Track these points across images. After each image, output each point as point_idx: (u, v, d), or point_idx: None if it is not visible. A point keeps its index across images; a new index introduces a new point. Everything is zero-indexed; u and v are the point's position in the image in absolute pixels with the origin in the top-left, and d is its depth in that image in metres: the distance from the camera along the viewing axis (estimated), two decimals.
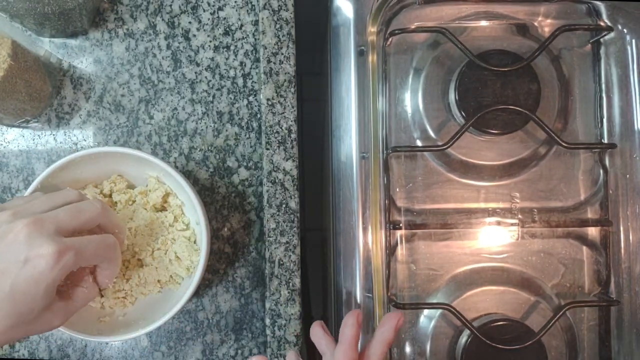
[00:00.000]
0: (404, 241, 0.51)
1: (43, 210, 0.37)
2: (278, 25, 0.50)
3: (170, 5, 0.52)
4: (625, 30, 0.51)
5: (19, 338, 0.36)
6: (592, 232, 0.52)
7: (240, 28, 0.52)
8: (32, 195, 0.41)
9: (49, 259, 0.34)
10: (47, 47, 0.52)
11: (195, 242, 0.47)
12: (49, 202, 0.38)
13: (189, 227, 0.47)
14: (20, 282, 0.34)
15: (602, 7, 0.51)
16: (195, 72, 0.52)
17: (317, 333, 0.41)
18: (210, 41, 0.52)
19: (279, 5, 0.50)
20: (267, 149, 0.49)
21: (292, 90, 0.50)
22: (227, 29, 0.52)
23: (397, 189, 0.51)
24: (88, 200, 0.39)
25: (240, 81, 0.52)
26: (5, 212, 0.36)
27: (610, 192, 0.52)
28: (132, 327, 0.44)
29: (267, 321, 0.49)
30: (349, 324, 0.39)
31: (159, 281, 0.46)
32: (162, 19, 0.52)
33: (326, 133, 0.54)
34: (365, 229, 0.49)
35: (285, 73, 0.50)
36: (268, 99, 0.50)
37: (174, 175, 0.43)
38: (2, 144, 0.51)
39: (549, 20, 0.52)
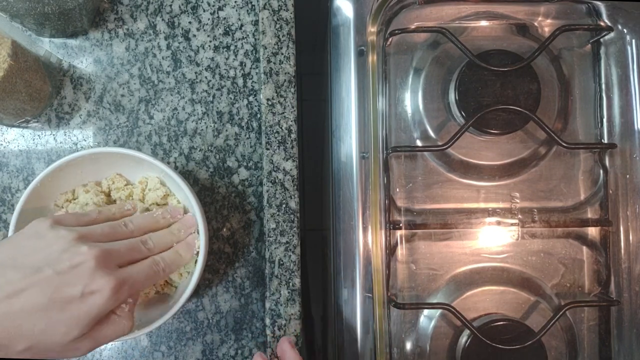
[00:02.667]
0: (404, 241, 0.51)
1: (105, 238, 0.39)
2: (278, 25, 0.50)
3: (170, 6, 0.52)
4: (625, 30, 0.51)
5: (45, 357, 0.36)
6: (592, 232, 0.52)
7: (240, 28, 0.52)
8: (87, 214, 0.41)
9: (105, 294, 0.35)
10: (47, 47, 0.52)
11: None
12: (111, 235, 0.40)
13: None
14: (72, 309, 0.34)
15: (602, 7, 0.51)
16: (195, 72, 0.52)
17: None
18: (210, 41, 0.52)
19: (279, 5, 0.50)
20: (267, 149, 0.49)
21: (292, 90, 0.50)
22: (227, 29, 0.52)
23: (397, 189, 0.51)
24: (144, 238, 0.41)
25: (240, 81, 0.52)
26: (70, 232, 0.37)
27: (610, 192, 0.52)
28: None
29: (267, 321, 0.49)
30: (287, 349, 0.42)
31: (154, 285, 0.46)
32: (162, 19, 0.52)
33: (326, 133, 0.54)
34: (365, 229, 0.49)
35: (285, 73, 0.50)
36: (268, 99, 0.50)
37: (173, 176, 0.43)
38: (2, 144, 0.51)
39: (549, 20, 0.52)
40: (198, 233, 0.44)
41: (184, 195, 0.45)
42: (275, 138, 0.49)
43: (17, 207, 0.42)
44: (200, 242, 0.44)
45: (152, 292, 0.46)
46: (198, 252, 0.44)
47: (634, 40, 0.51)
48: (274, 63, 0.50)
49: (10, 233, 0.42)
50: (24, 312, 0.34)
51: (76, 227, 0.39)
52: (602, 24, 0.51)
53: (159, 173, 0.46)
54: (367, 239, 0.49)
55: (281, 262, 0.49)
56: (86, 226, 0.40)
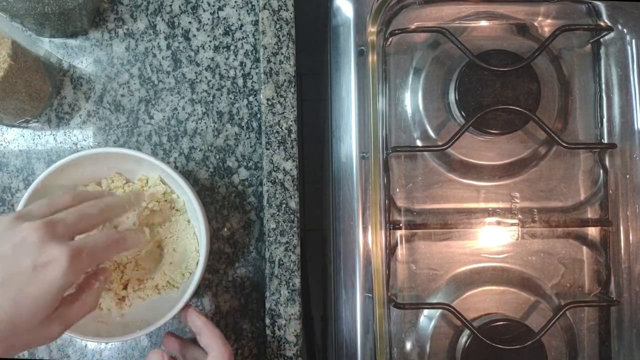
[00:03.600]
0: (404, 241, 0.51)
1: (45, 214, 0.36)
2: (278, 25, 0.50)
3: (170, 5, 0.52)
4: (625, 30, 0.51)
5: (19, 348, 0.34)
6: (592, 232, 0.52)
7: (240, 28, 0.52)
8: (54, 201, 0.39)
9: (62, 263, 0.33)
10: (47, 47, 0.52)
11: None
12: (50, 207, 0.37)
13: (190, 224, 0.47)
14: (29, 289, 0.32)
15: (602, 7, 0.51)
16: (195, 72, 0.52)
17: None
18: (210, 41, 0.52)
19: (279, 5, 0.50)
20: (267, 149, 0.49)
21: (292, 90, 0.50)
22: (227, 29, 0.52)
23: (397, 189, 0.51)
24: (88, 203, 0.38)
25: (240, 81, 0.52)
26: (6, 216, 0.35)
27: (610, 192, 0.52)
28: (131, 327, 0.44)
29: (267, 321, 0.49)
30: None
31: (156, 286, 0.46)
32: (162, 19, 0.52)
33: (326, 133, 0.54)
34: (365, 229, 0.49)
35: (285, 73, 0.50)
36: (268, 99, 0.50)
37: (174, 176, 0.43)
38: (2, 144, 0.51)
39: (549, 20, 0.52)
40: (196, 234, 0.44)
41: (184, 194, 0.45)
42: (275, 138, 0.49)
43: (18, 208, 0.42)
44: (201, 242, 0.44)
45: (154, 294, 0.46)
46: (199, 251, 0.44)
47: (634, 40, 0.51)
48: (274, 63, 0.50)
49: None
50: None
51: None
52: (602, 24, 0.51)
53: (160, 172, 0.46)
54: (367, 239, 0.49)
55: (281, 262, 0.49)
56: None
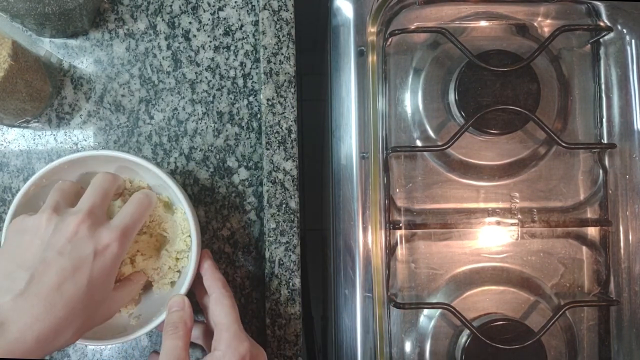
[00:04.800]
0: (403, 241, 0.51)
1: (71, 202, 0.41)
2: (278, 26, 0.50)
3: (171, 6, 0.52)
4: (624, 31, 0.51)
5: (86, 331, 0.38)
6: (592, 232, 0.52)
7: (241, 28, 0.52)
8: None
9: (115, 245, 0.38)
10: (48, 47, 0.52)
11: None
12: (66, 195, 0.41)
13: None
14: (96, 273, 0.37)
15: (601, 7, 0.51)
16: (196, 72, 0.52)
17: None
18: (211, 41, 0.52)
19: (279, 6, 0.50)
20: (267, 149, 0.49)
21: (292, 90, 0.50)
22: (227, 29, 0.52)
23: (397, 189, 0.52)
24: (99, 177, 0.42)
25: (240, 81, 0.52)
26: (42, 213, 0.38)
27: (610, 192, 0.52)
28: (129, 328, 0.44)
29: (267, 321, 0.49)
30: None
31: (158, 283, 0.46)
32: (163, 19, 0.52)
33: (326, 133, 0.54)
34: (365, 229, 0.49)
35: (285, 73, 0.50)
36: (268, 99, 0.50)
37: (161, 175, 0.43)
38: (2, 144, 0.51)
39: (548, 21, 0.52)
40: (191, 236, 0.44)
41: (172, 193, 0.45)
42: (275, 138, 0.49)
43: (13, 206, 0.43)
44: (192, 241, 0.44)
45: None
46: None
47: (633, 41, 0.51)
48: (274, 63, 0.50)
49: (4, 232, 0.42)
50: (60, 299, 0.35)
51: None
52: (601, 24, 0.51)
53: (154, 176, 0.46)
54: (367, 239, 0.49)
55: (281, 262, 0.49)
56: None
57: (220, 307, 0.41)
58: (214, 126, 0.52)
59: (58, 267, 0.36)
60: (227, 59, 0.52)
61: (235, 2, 0.52)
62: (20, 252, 0.37)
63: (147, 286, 0.47)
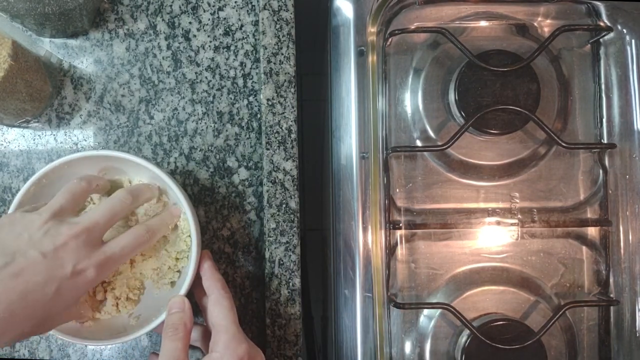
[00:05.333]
0: (403, 241, 0.51)
1: (75, 210, 0.41)
2: (278, 26, 0.50)
3: (171, 6, 0.52)
4: (624, 31, 0.51)
5: (40, 332, 0.38)
6: (592, 232, 0.52)
7: (241, 28, 0.52)
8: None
9: (93, 272, 0.38)
10: (48, 47, 0.52)
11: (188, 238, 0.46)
12: (75, 200, 0.41)
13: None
14: (65, 289, 0.37)
15: (601, 7, 0.51)
16: (196, 72, 0.52)
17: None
18: (211, 41, 0.52)
19: (279, 6, 0.50)
20: (267, 149, 0.49)
21: (292, 90, 0.50)
22: (227, 29, 0.52)
23: (397, 189, 0.52)
24: (118, 197, 0.42)
25: (240, 81, 0.52)
26: (41, 214, 0.38)
27: (610, 192, 0.52)
28: (129, 328, 0.44)
29: (267, 321, 0.49)
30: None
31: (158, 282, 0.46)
32: (163, 19, 0.52)
33: (326, 133, 0.54)
34: (365, 229, 0.49)
35: (285, 73, 0.50)
36: (268, 99, 0.50)
37: (160, 174, 0.43)
38: (2, 144, 0.52)
39: (548, 21, 0.52)
40: (191, 235, 0.44)
41: (172, 193, 0.45)
42: (275, 138, 0.49)
43: (12, 206, 0.43)
44: (192, 241, 0.44)
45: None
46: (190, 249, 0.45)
47: (633, 41, 0.51)
48: (274, 63, 0.50)
49: None
50: (25, 294, 0.35)
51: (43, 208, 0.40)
52: (601, 24, 0.51)
53: (154, 176, 0.46)
54: (367, 239, 0.49)
55: (281, 262, 0.49)
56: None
57: (219, 308, 0.41)
58: (214, 126, 0.52)
59: (34, 267, 0.36)
60: (227, 59, 0.52)
61: (235, 2, 0.52)
62: (6, 240, 0.37)
63: (148, 287, 0.47)
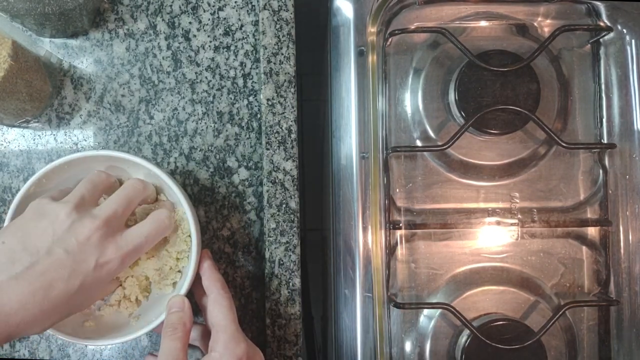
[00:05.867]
0: (403, 241, 0.51)
1: (95, 200, 0.42)
2: (278, 26, 0.50)
3: (171, 6, 0.52)
4: (624, 31, 0.51)
5: (55, 324, 0.39)
6: (592, 232, 0.52)
7: (241, 28, 0.52)
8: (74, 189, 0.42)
9: (116, 263, 0.39)
10: (48, 47, 0.52)
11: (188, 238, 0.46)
12: (96, 190, 0.42)
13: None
14: (89, 281, 0.38)
15: (601, 7, 0.51)
16: (196, 72, 0.52)
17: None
18: (211, 41, 0.52)
19: (279, 6, 0.50)
20: (267, 149, 0.49)
21: (292, 90, 0.50)
22: (227, 29, 0.52)
23: (397, 189, 0.52)
24: (130, 185, 0.43)
25: (240, 81, 0.52)
26: (66, 204, 0.39)
27: (610, 192, 0.52)
28: (129, 328, 0.44)
29: (267, 321, 0.49)
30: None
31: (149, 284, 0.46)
32: (163, 19, 0.52)
33: (326, 133, 0.54)
34: (365, 229, 0.49)
35: (285, 73, 0.50)
36: (268, 99, 0.50)
37: (158, 173, 0.43)
38: (2, 144, 0.52)
39: (548, 21, 0.52)
40: (190, 236, 0.44)
41: (172, 193, 0.45)
42: (275, 138, 0.50)
43: (11, 209, 0.43)
44: (192, 241, 0.44)
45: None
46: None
47: (633, 41, 0.51)
48: (274, 63, 0.50)
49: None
50: (50, 291, 0.36)
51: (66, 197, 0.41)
52: (601, 24, 0.51)
53: (154, 176, 0.46)
54: (367, 239, 0.49)
55: (281, 262, 0.49)
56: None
57: (218, 308, 0.41)
58: (214, 126, 0.52)
59: (59, 264, 0.36)
60: (227, 59, 0.52)
61: (235, 2, 0.52)
62: (32, 235, 0.38)
63: (148, 287, 0.47)
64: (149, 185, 0.44)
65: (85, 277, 0.37)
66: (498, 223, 0.52)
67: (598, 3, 0.51)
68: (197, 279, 0.45)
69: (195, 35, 0.52)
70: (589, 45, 0.53)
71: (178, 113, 0.52)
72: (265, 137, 0.50)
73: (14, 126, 0.51)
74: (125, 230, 0.41)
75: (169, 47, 0.52)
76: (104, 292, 0.44)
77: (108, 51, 0.52)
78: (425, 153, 0.52)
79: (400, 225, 0.51)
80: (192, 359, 0.50)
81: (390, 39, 0.51)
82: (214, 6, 0.52)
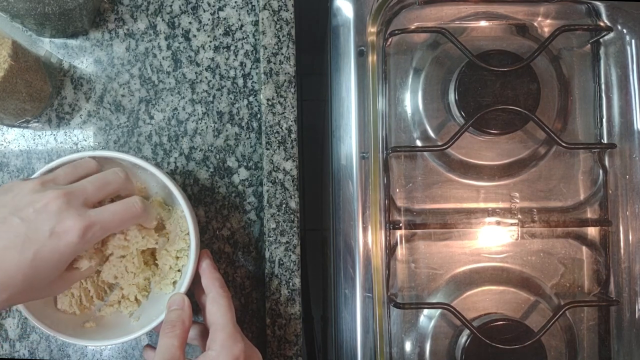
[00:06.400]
0: (403, 241, 0.51)
1: (69, 181, 0.40)
2: (278, 26, 0.50)
3: (171, 6, 0.52)
4: (624, 31, 0.51)
5: (23, 302, 0.39)
6: (592, 232, 0.53)
7: (241, 28, 0.52)
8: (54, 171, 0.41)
9: (75, 234, 0.36)
10: (48, 47, 0.52)
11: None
12: (74, 173, 0.41)
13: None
14: (45, 251, 0.35)
15: (601, 7, 0.52)
16: (196, 73, 0.52)
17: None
18: (211, 41, 0.52)
19: (279, 6, 0.50)
20: (267, 149, 0.49)
21: (292, 90, 0.50)
22: (227, 29, 0.52)
23: (397, 189, 0.52)
24: (111, 170, 0.41)
25: (240, 81, 0.52)
26: (33, 180, 0.38)
27: (610, 192, 0.52)
28: (129, 327, 0.44)
29: (267, 321, 0.49)
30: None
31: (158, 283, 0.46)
32: (163, 19, 0.52)
33: (326, 133, 0.54)
34: (365, 229, 0.49)
35: (285, 73, 0.50)
36: (268, 99, 0.50)
37: (156, 173, 0.43)
38: (2, 144, 0.52)
39: (548, 21, 0.52)
40: (189, 237, 0.44)
41: (170, 192, 0.45)
42: (275, 138, 0.50)
43: None
44: (191, 239, 0.44)
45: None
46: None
47: (633, 41, 0.51)
48: (274, 63, 0.50)
49: None
50: (3, 259, 0.35)
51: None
52: (601, 24, 0.51)
53: (152, 176, 0.46)
54: (367, 239, 0.49)
55: (281, 262, 0.49)
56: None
57: (217, 307, 0.41)
58: (214, 126, 0.52)
59: (12, 232, 0.35)
60: (227, 59, 0.52)
61: (235, 2, 0.52)
62: None
63: (148, 286, 0.47)
64: (131, 179, 0.43)
65: (39, 247, 0.35)
66: (498, 223, 0.52)
67: (598, 3, 0.51)
68: (197, 278, 0.45)
69: (195, 35, 0.52)
70: (589, 45, 0.53)
71: (178, 113, 0.52)
72: (265, 137, 0.50)
73: (14, 126, 0.51)
74: (91, 208, 0.38)
75: (169, 47, 0.52)
76: (67, 280, 0.41)
77: (108, 51, 0.52)
78: (425, 153, 0.52)
79: (400, 225, 0.51)
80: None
81: (390, 39, 0.51)
82: (214, 6, 0.52)
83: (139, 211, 0.41)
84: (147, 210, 0.42)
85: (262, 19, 0.50)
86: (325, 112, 0.55)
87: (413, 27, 0.51)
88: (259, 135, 0.52)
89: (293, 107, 0.50)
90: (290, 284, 0.49)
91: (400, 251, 0.51)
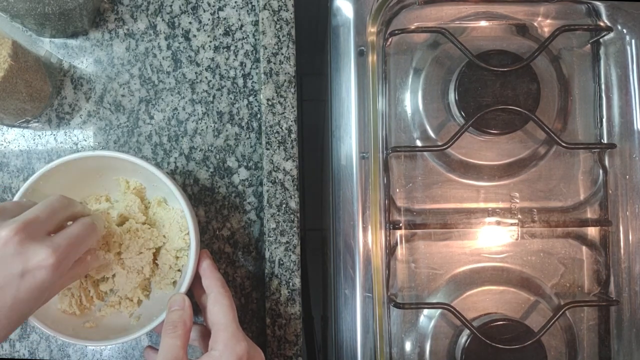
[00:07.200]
0: (403, 241, 0.51)
1: (17, 212, 0.36)
2: (278, 26, 0.50)
3: (171, 6, 0.52)
4: (624, 31, 0.51)
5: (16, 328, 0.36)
6: (592, 232, 0.52)
7: (241, 28, 0.52)
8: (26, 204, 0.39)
9: (48, 268, 0.34)
10: (48, 47, 0.52)
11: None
12: (18, 204, 0.38)
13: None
14: (22, 293, 0.34)
15: (601, 7, 0.51)
16: (196, 72, 0.52)
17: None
18: (211, 41, 0.52)
19: (279, 6, 0.50)
20: (267, 149, 0.49)
21: (292, 90, 0.50)
22: (227, 29, 0.52)
23: (397, 189, 0.52)
24: (54, 197, 0.39)
25: (240, 81, 0.52)
26: None
27: (610, 192, 0.52)
28: (129, 327, 0.44)
29: (267, 321, 0.49)
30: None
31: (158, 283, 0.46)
32: (163, 19, 0.52)
33: (326, 133, 0.54)
34: (365, 229, 0.49)
35: (285, 73, 0.50)
36: (268, 99, 0.50)
37: (158, 174, 0.43)
38: (2, 144, 0.52)
39: (548, 21, 0.52)
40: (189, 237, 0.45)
41: (169, 191, 0.45)
42: (275, 138, 0.50)
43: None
44: (191, 238, 0.44)
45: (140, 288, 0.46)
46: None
47: (633, 41, 0.51)
48: (274, 63, 0.50)
49: None
50: None
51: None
52: (601, 24, 0.51)
53: (152, 175, 0.46)
54: (367, 239, 0.49)
55: (281, 262, 0.49)
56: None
57: (219, 307, 0.41)
58: (214, 126, 0.52)
59: None
60: (227, 59, 0.52)
61: (235, 2, 0.52)
62: None
63: (148, 286, 0.47)
64: (74, 202, 0.40)
65: (16, 291, 0.33)
66: (498, 223, 0.52)
67: (598, 3, 0.51)
68: (197, 279, 0.45)
69: (195, 35, 0.52)
70: (589, 45, 0.53)
71: (178, 113, 0.52)
72: (265, 137, 0.50)
73: (14, 126, 0.51)
74: (50, 237, 0.36)
75: (169, 47, 0.52)
76: (52, 292, 0.38)
77: (108, 51, 0.52)
78: (425, 153, 0.52)
79: (400, 225, 0.51)
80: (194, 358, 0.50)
81: (390, 39, 0.51)
82: (214, 6, 0.52)
83: (94, 228, 0.39)
84: (100, 224, 0.41)
85: (262, 19, 0.50)
86: (325, 112, 0.55)
87: (413, 27, 0.51)
88: (259, 135, 0.52)
89: (293, 107, 0.50)
90: (290, 284, 0.49)
91: (400, 251, 0.51)
